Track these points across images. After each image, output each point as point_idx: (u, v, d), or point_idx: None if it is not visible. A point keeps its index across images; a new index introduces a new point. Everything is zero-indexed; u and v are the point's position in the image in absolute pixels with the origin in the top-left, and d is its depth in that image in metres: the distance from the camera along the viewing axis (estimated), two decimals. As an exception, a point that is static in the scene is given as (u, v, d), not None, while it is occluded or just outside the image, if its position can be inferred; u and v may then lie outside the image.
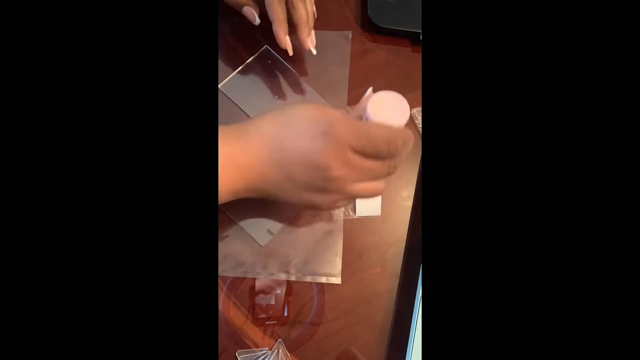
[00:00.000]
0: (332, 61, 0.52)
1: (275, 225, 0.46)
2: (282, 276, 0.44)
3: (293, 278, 0.44)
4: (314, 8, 0.48)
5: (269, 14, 0.46)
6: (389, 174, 0.37)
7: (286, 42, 0.47)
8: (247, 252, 0.45)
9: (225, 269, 0.44)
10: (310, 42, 0.47)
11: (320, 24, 0.53)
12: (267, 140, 0.36)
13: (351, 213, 0.47)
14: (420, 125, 0.50)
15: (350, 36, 0.53)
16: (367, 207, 0.47)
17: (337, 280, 0.45)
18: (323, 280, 0.45)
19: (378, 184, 0.38)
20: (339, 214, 0.47)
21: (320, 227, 0.46)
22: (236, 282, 0.44)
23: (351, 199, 0.40)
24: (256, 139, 0.36)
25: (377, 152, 0.35)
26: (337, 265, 0.45)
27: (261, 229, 0.46)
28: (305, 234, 0.46)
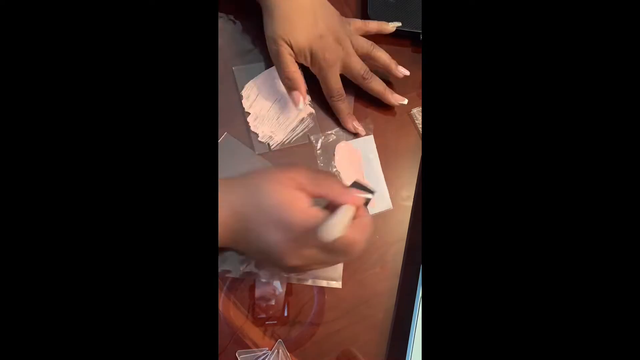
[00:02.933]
0: None
1: None
2: (284, 279, 0.44)
3: (294, 281, 0.44)
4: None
5: (335, 110, 0.49)
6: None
7: (356, 127, 0.49)
8: None
9: (226, 269, 0.44)
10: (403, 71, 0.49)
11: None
12: (233, 212, 0.35)
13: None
14: (420, 125, 0.50)
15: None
16: (379, 204, 0.47)
17: (337, 284, 0.45)
18: (324, 283, 0.45)
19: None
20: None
21: None
22: (236, 282, 0.44)
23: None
24: (225, 205, 0.35)
25: (338, 252, 0.35)
26: (339, 269, 0.45)
27: None
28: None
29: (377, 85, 0.48)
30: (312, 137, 0.49)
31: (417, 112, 0.51)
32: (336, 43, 0.45)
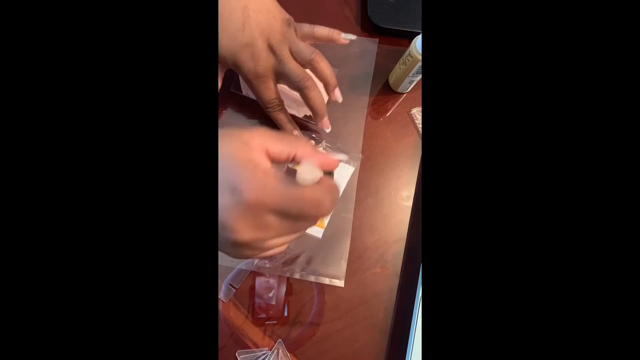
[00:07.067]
0: (357, 64, 0.53)
1: None
2: (287, 273, 0.44)
3: (297, 276, 0.44)
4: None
5: (274, 120, 0.45)
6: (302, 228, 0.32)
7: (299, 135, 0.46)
8: None
9: (231, 260, 0.44)
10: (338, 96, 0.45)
11: (320, 24, 0.53)
12: None
13: None
14: (420, 125, 0.50)
15: (377, 43, 0.53)
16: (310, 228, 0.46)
17: (340, 283, 0.45)
18: (327, 281, 0.44)
19: (290, 237, 0.32)
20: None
21: (328, 228, 0.46)
22: (236, 281, 0.44)
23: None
24: None
25: (302, 216, 0.29)
26: (342, 268, 0.45)
27: None
28: (312, 234, 0.46)
29: (316, 95, 0.43)
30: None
31: (417, 112, 0.51)
32: (268, 51, 0.41)
